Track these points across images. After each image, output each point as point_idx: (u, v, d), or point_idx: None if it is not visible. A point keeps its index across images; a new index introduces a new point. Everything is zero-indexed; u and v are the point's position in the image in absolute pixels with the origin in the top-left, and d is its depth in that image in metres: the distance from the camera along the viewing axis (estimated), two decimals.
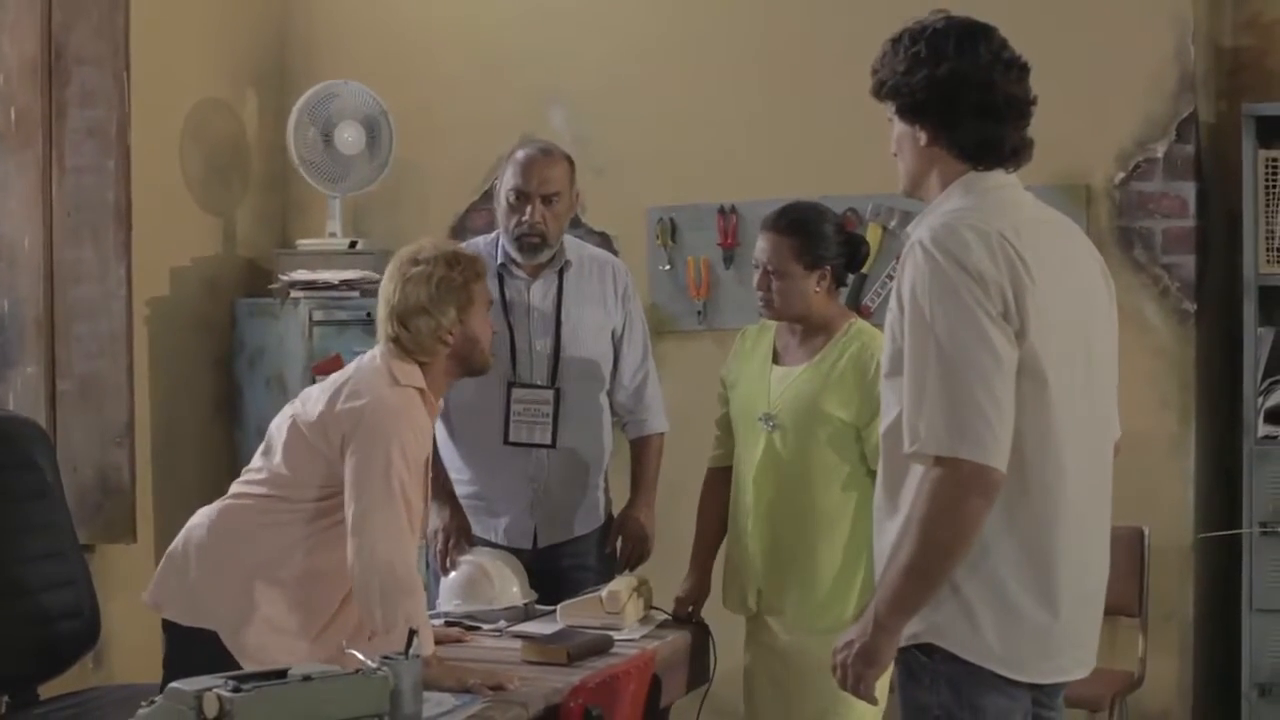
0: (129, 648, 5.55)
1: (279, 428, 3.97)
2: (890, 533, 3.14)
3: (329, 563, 3.84)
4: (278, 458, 3.93)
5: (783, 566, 4.29)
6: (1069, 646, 3.16)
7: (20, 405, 5.53)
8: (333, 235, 6.31)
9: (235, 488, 4.02)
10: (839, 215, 4.54)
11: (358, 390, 3.87)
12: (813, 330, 4.36)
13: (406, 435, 3.81)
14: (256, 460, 4.01)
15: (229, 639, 3.84)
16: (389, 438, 3.78)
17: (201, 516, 4.01)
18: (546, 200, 4.69)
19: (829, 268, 4.33)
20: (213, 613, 3.88)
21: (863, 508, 4.18)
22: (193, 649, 3.87)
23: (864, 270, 5.79)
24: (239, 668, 3.61)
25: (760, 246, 4.36)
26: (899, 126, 3.23)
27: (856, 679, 3.11)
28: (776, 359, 4.41)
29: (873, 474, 4.13)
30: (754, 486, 4.32)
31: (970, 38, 3.15)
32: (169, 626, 3.97)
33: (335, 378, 3.99)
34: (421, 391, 3.92)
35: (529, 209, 4.67)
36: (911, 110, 3.18)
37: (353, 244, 6.25)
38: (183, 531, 4.03)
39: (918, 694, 3.12)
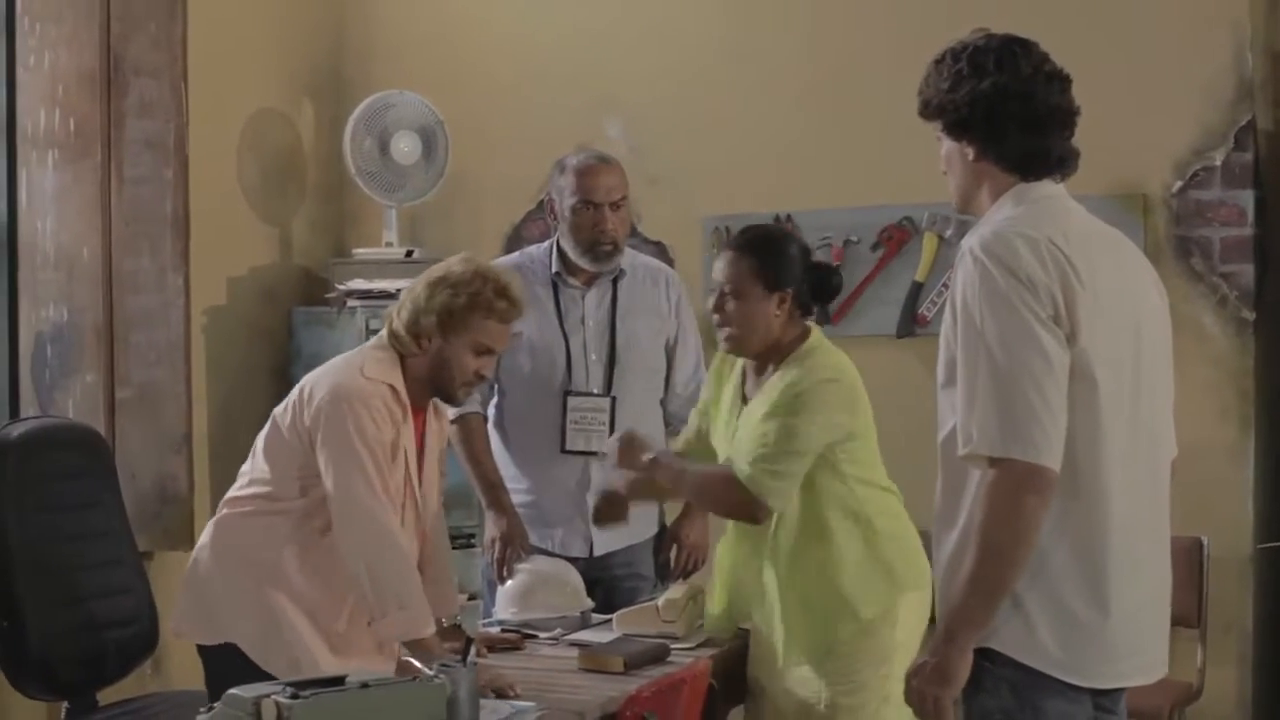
0: (187, 654, 5.55)
1: (262, 431, 4.02)
2: (948, 544, 3.15)
3: (328, 560, 3.85)
4: (260, 457, 3.97)
5: (758, 607, 4.14)
6: (1128, 652, 3.15)
7: (80, 413, 5.57)
8: (389, 244, 6.34)
9: (226, 498, 4.05)
10: (806, 244, 4.32)
11: (319, 381, 3.91)
12: (767, 362, 4.13)
13: (363, 418, 3.79)
14: (244, 466, 4.04)
15: (249, 648, 3.85)
16: (345, 426, 3.79)
17: (204, 536, 4.05)
18: (614, 207, 4.75)
19: (790, 291, 4.07)
20: (230, 627, 3.90)
21: (819, 546, 4.03)
22: (228, 667, 3.85)
23: (919, 279, 5.82)
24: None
25: (717, 266, 4.15)
26: (947, 144, 3.28)
27: (934, 702, 3.08)
28: (745, 398, 4.18)
29: (839, 517, 4.02)
30: (730, 531, 4.24)
31: (1010, 53, 3.19)
32: (200, 650, 3.99)
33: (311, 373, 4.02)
34: (394, 388, 3.89)
35: (602, 218, 4.72)
36: (958, 126, 3.22)
37: (409, 253, 6.28)
38: (192, 554, 4.06)
39: (980, 699, 3.11)
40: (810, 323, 4.19)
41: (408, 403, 3.94)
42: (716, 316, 4.11)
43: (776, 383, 4.04)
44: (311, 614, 3.88)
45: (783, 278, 4.06)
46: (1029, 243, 3.04)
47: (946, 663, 3.06)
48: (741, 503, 3.99)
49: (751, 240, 4.14)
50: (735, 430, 4.14)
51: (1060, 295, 3.02)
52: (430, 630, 3.80)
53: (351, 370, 3.91)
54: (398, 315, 3.96)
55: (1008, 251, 3.03)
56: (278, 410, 3.98)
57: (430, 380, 3.97)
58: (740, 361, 4.22)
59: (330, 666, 3.69)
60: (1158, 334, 3.24)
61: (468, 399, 4.22)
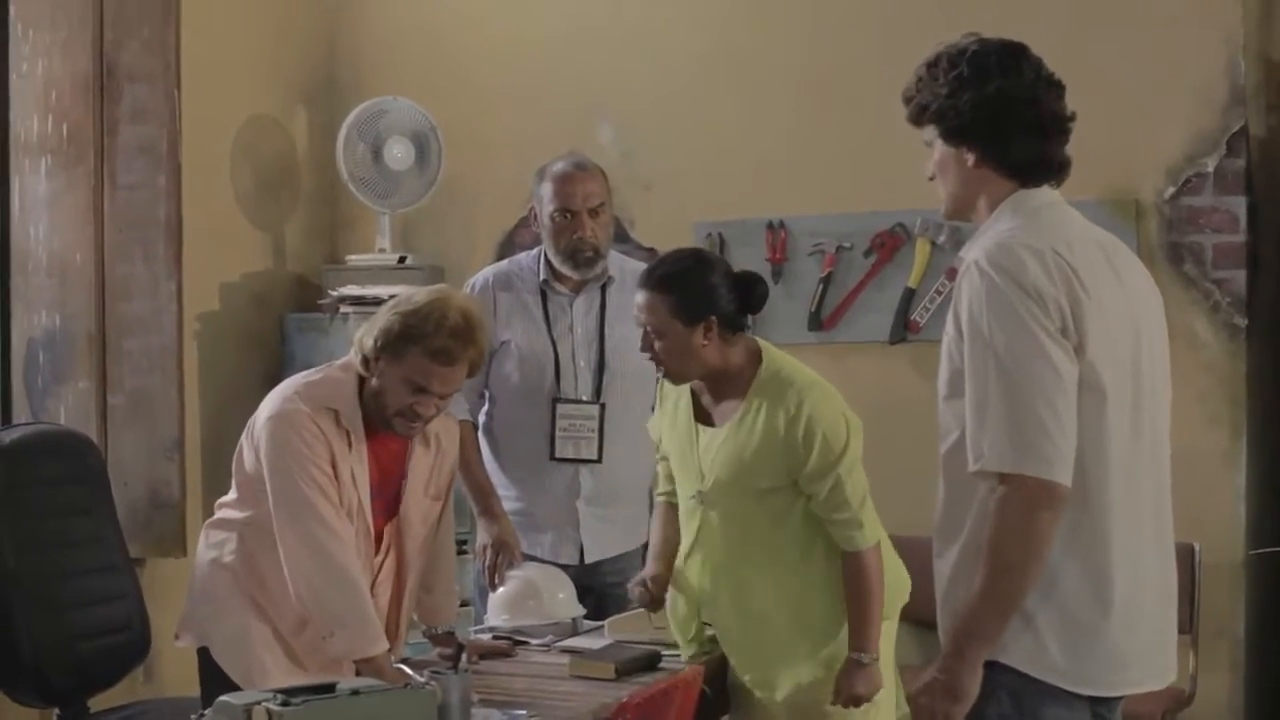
0: (179, 661, 5.55)
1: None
2: (950, 557, 3.14)
3: (272, 568, 3.86)
4: (234, 466, 4.00)
5: (735, 639, 4.10)
6: (1135, 660, 3.14)
7: (72, 420, 5.57)
8: (382, 251, 6.34)
9: (217, 502, 4.10)
10: (724, 260, 4.13)
11: (266, 402, 3.91)
12: (723, 386, 4.01)
13: (294, 442, 3.79)
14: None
15: (216, 652, 3.90)
16: (282, 454, 3.80)
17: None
18: (593, 213, 4.75)
19: (713, 319, 3.92)
20: (205, 631, 3.95)
21: (804, 582, 3.98)
22: (206, 671, 3.94)
23: (911, 285, 5.82)
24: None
25: (637, 304, 4.00)
26: (942, 150, 3.24)
27: (944, 719, 3.07)
28: (704, 417, 4.07)
29: (818, 537, 3.96)
30: (692, 562, 4.11)
31: (1011, 57, 3.17)
32: (198, 655, 4.02)
33: None
34: (338, 413, 3.85)
35: (581, 225, 4.72)
36: (959, 132, 3.19)
37: (402, 259, 6.28)
38: None
39: (979, 705, 3.08)
40: (754, 338, 4.06)
41: (353, 428, 3.88)
42: (648, 355, 4.00)
43: (761, 421, 3.91)
44: (274, 623, 3.90)
45: (702, 308, 3.91)
46: (1035, 254, 3.03)
47: (956, 679, 3.04)
48: (880, 560, 3.92)
49: (663, 278, 3.96)
50: (698, 453, 4.04)
51: (1068, 307, 3.00)
52: (378, 649, 3.74)
53: (291, 394, 3.88)
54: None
55: (1014, 264, 3.01)
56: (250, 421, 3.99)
57: (374, 407, 3.90)
58: (685, 392, 4.11)
59: (282, 679, 3.69)
60: (1156, 338, 3.23)
61: (408, 429, 3.93)
